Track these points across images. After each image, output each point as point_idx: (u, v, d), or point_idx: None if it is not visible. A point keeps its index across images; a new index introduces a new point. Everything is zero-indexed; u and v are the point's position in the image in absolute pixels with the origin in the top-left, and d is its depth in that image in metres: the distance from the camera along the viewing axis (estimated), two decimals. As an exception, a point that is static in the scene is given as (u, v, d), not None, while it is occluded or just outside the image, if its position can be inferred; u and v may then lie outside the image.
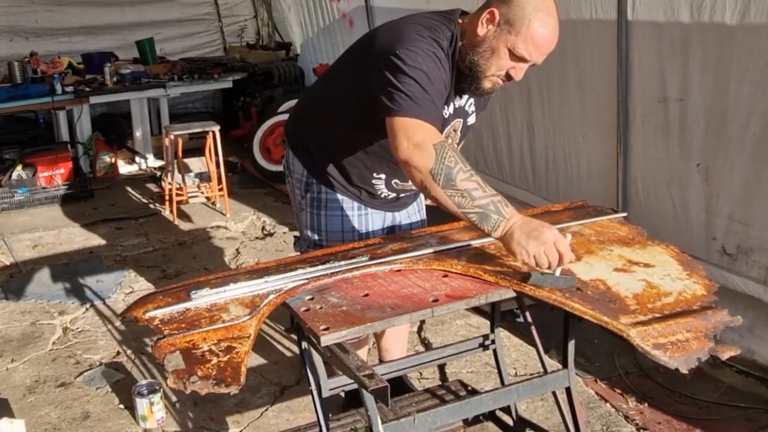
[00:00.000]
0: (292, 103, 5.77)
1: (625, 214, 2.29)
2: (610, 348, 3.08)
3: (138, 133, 6.32)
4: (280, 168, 5.77)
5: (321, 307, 1.70)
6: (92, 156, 6.10)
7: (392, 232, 2.40)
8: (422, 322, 3.41)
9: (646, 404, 2.75)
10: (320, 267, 1.85)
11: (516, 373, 2.98)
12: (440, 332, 3.36)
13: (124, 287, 3.98)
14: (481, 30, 1.92)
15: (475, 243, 2.00)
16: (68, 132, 6.01)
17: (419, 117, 1.77)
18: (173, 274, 4.11)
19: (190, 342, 1.59)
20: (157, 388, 2.72)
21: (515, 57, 1.89)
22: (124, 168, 6.36)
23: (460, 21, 2.00)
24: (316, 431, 2.19)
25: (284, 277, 1.80)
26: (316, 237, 2.31)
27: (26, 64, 5.82)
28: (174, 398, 2.88)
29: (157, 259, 4.38)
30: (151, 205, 5.45)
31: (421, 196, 2.48)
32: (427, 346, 3.26)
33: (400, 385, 2.64)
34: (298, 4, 6.88)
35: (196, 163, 5.65)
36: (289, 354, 3.22)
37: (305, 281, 1.80)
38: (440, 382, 2.87)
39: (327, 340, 1.59)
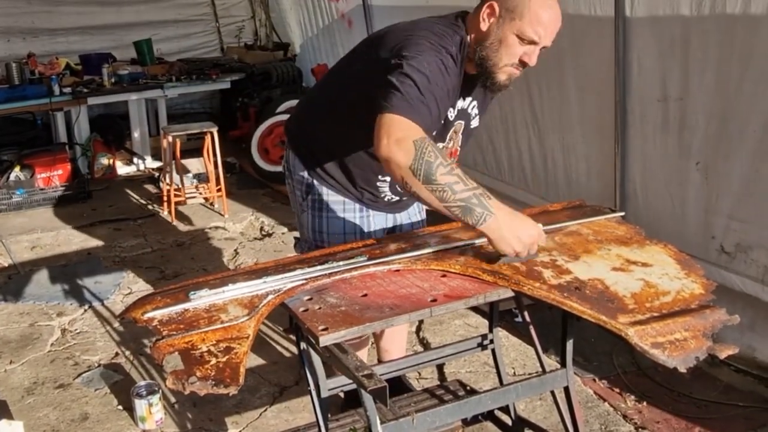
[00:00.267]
0: (291, 103, 5.77)
1: (623, 214, 2.29)
2: (608, 347, 3.09)
3: (136, 134, 6.31)
4: (278, 168, 5.76)
5: (320, 308, 1.70)
6: (90, 157, 6.10)
7: (393, 233, 2.39)
8: (421, 322, 3.41)
9: (644, 403, 2.75)
10: (319, 267, 1.85)
11: (514, 373, 2.98)
12: (439, 332, 3.36)
13: (123, 288, 3.97)
14: (484, 25, 1.93)
15: (474, 242, 2.00)
16: (66, 133, 6.00)
17: (407, 116, 1.76)
18: (172, 275, 4.11)
19: (189, 343, 1.59)
20: (156, 389, 2.72)
21: (525, 42, 1.91)
22: (123, 169, 6.35)
23: (464, 23, 2.01)
24: (315, 431, 2.19)
25: (283, 277, 1.80)
26: (317, 238, 2.30)
27: (24, 65, 5.81)
28: (173, 399, 2.88)
29: (155, 260, 4.38)
30: (150, 206, 5.45)
31: None
32: (425, 346, 3.26)
33: (398, 385, 2.64)
34: (297, 4, 6.88)
35: (194, 164, 5.65)
36: (287, 354, 3.22)
37: (304, 281, 1.80)
38: (439, 382, 2.87)
39: (326, 340, 1.59)
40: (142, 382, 2.79)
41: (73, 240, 4.78)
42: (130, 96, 6.10)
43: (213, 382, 1.49)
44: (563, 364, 2.12)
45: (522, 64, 1.95)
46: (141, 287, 3.97)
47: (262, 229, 4.87)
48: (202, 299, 1.72)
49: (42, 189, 5.55)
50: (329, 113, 2.20)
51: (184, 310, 1.70)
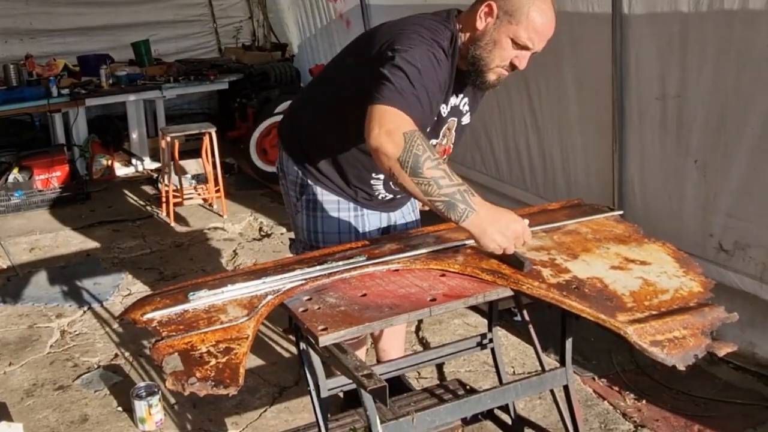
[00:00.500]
0: (289, 103, 5.77)
1: (621, 212, 2.29)
2: (607, 346, 3.09)
3: (134, 135, 6.31)
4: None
5: (319, 308, 1.70)
6: (88, 158, 6.09)
7: (387, 232, 2.39)
8: (420, 321, 3.42)
9: (643, 401, 2.75)
10: (318, 267, 1.85)
11: (514, 372, 2.98)
12: (438, 331, 3.36)
13: (122, 289, 3.97)
14: (480, 24, 1.94)
15: (473, 242, 2.00)
16: (64, 134, 6.00)
17: (399, 107, 1.76)
18: (171, 276, 4.11)
19: (189, 343, 1.59)
20: (156, 390, 2.72)
21: (518, 46, 1.92)
22: (121, 170, 6.35)
23: (456, 20, 2.02)
24: (315, 431, 2.20)
25: (282, 277, 1.80)
26: (312, 239, 2.30)
27: (22, 67, 5.80)
28: (172, 400, 2.88)
29: (154, 261, 4.38)
30: (148, 207, 5.45)
31: None
32: (425, 345, 3.26)
33: (398, 385, 2.65)
34: (295, 4, 6.88)
35: (192, 165, 5.65)
36: (287, 355, 3.22)
37: (303, 282, 1.80)
38: (438, 382, 2.87)
39: (325, 340, 1.59)
40: (142, 383, 2.79)
41: (72, 241, 4.78)
42: (128, 97, 6.09)
43: (213, 383, 1.49)
44: (562, 362, 2.13)
45: (512, 66, 1.96)
46: (140, 288, 3.96)
47: (260, 229, 4.87)
48: (201, 300, 1.72)
49: (40, 191, 5.55)
50: (322, 111, 2.20)
51: (184, 311, 1.70)
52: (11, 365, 3.23)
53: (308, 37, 6.78)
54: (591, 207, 2.32)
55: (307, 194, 2.27)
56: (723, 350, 1.64)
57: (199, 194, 5.47)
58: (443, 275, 1.86)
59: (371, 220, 2.32)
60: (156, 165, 6.25)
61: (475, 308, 3.34)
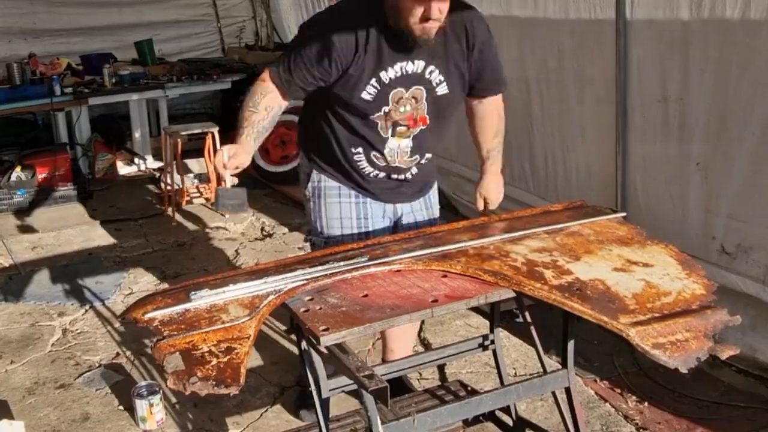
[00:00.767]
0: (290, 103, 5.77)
1: (624, 214, 2.29)
2: (609, 348, 3.08)
3: (137, 135, 6.31)
4: (279, 169, 5.77)
5: (320, 308, 1.70)
6: (91, 157, 6.10)
7: (396, 227, 2.46)
8: (422, 322, 3.41)
9: (645, 404, 2.75)
10: (319, 268, 1.85)
11: (515, 374, 2.98)
12: (440, 332, 3.36)
13: (124, 288, 3.98)
14: None
15: (474, 243, 2.00)
16: (67, 133, 6.00)
17: (271, 70, 2.21)
18: (173, 276, 4.11)
19: (190, 343, 1.59)
20: (157, 389, 2.72)
21: (416, 2, 2.00)
22: (123, 169, 6.35)
23: None
24: (315, 431, 2.20)
25: (284, 277, 1.80)
26: (317, 225, 2.43)
27: (25, 66, 5.80)
28: (174, 399, 2.88)
29: (156, 261, 4.38)
30: (151, 207, 5.45)
31: (432, 192, 2.54)
32: (426, 346, 3.26)
33: (399, 386, 2.64)
34: (296, 4, 6.88)
35: (195, 164, 5.65)
36: (288, 354, 3.21)
37: (305, 282, 1.80)
38: (440, 383, 2.87)
39: (326, 340, 1.59)
40: (143, 383, 2.79)
41: (74, 240, 4.78)
42: (131, 96, 6.09)
43: (214, 383, 1.49)
44: (564, 364, 2.12)
45: (425, 18, 2.02)
46: (142, 287, 3.97)
47: (263, 229, 4.87)
48: (202, 299, 1.72)
49: (43, 189, 5.55)
50: (306, 104, 2.42)
51: (185, 311, 1.70)
52: (13, 363, 3.24)
53: (310, 37, 6.77)
54: (594, 209, 2.32)
55: (312, 181, 2.44)
56: (725, 353, 1.64)
57: (201, 194, 5.48)
58: (445, 276, 1.86)
59: (374, 209, 2.40)
60: (158, 164, 6.25)
61: (476, 309, 3.34)
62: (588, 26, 3.36)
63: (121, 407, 2.88)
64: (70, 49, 6.77)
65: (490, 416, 2.51)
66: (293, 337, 2.95)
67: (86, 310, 3.74)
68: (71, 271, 4.24)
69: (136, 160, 6.42)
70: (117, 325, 3.55)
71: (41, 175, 5.60)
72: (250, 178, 5.93)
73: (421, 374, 2.99)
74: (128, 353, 3.28)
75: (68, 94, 5.76)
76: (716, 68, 2.80)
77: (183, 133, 5.18)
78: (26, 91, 5.64)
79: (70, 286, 4.02)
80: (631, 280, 1.82)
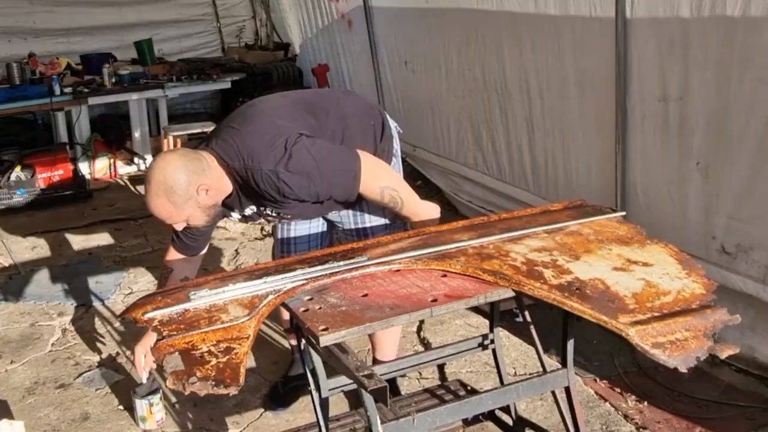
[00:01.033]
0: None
1: (624, 213, 2.29)
2: (609, 347, 3.08)
3: (137, 134, 6.31)
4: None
5: (320, 308, 1.70)
6: (91, 157, 6.10)
7: (330, 234, 2.60)
8: (421, 322, 3.41)
9: (645, 403, 2.75)
10: (319, 267, 1.85)
11: (515, 373, 2.98)
12: (439, 332, 3.36)
13: (124, 288, 3.98)
14: None
15: (474, 243, 2.00)
16: (67, 133, 6.00)
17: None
18: (172, 275, 4.11)
19: (189, 343, 1.59)
20: (157, 389, 2.72)
21: None
22: (123, 169, 6.35)
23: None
24: (315, 431, 2.19)
25: (283, 277, 1.80)
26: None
27: (25, 65, 5.80)
28: (173, 399, 2.88)
29: (156, 260, 4.37)
30: (150, 206, 5.44)
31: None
32: (426, 345, 3.26)
33: (391, 387, 2.66)
34: (297, 4, 6.88)
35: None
36: (288, 354, 3.21)
37: (304, 282, 1.80)
38: (440, 382, 2.87)
39: (326, 340, 1.59)
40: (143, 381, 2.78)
41: (74, 240, 4.78)
42: (131, 96, 6.09)
43: (213, 383, 1.49)
44: (564, 364, 2.12)
45: None
46: (142, 287, 3.97)
47: (262, 229, 4.87)
48: (202, 299, 1.72)
49: (43, 189, 5.55)
50: None
51: (185, 311, 1.70)
52: (12, 363, 3.24)
53: (310, 37, 6.78)
54: (593, 208, 2.32)
55: None
56: (725, 352, 1.64)
57: (201, 193, 5.46)
58: (445, 276, 1.86)
59: (298, 227, 2.58)
60: (158, 164, 6.23)
61: (476, 309, 3.34)
62: (588, 24, 3.35)
63: (120, 407, 2.88)
64: (70, 49, 6.77)
65: (490, 416, 2.51)
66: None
67: (86, 310, 3.73)
68: (71, 270, 4.24)
69: (136, 159, 6.42)
70: (117, 324, 3.55)
71: (41, 174, 5.60)
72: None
73: (420, 373, 2.99)
74: (128, 353, 3.27)
75: (68, 93, 5.76)
76: (717, 67, 2.79)
77: (183, 132, 5.18)
78: (26, 90, 5.64)
79: (69, 285, 4.02)
80: (630, 280, 1.82)
